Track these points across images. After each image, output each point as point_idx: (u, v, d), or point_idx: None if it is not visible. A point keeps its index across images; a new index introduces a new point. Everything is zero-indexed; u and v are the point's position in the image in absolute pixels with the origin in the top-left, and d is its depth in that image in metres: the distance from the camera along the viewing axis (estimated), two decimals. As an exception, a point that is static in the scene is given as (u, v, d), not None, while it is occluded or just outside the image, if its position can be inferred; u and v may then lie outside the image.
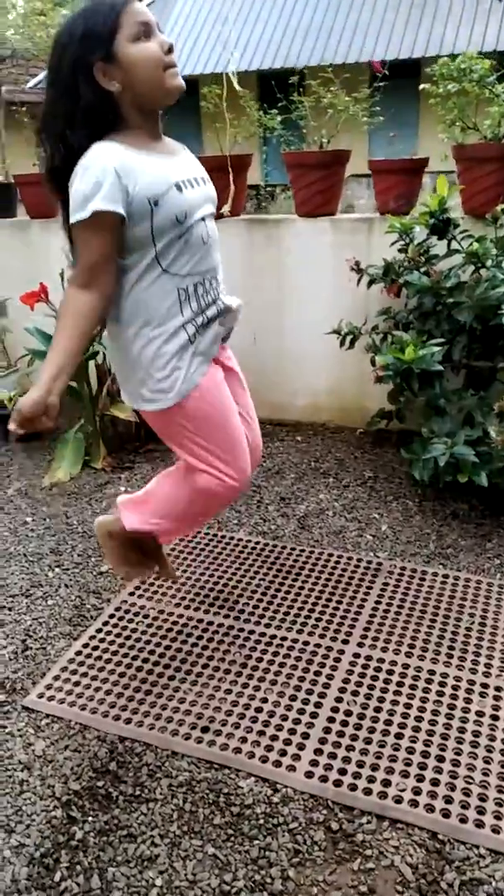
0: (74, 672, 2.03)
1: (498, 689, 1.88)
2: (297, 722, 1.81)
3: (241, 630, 2.15)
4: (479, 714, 1.80)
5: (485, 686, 1.89)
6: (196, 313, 1.63)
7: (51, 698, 1.94)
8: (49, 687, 1.98)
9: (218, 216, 3.35)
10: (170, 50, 1.45)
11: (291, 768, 1.68)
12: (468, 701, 1.84)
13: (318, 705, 1.86)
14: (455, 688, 1.89)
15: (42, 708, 1.91)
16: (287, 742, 1.75)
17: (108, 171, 1.40)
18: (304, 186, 3.24)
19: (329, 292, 3.38)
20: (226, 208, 3.28)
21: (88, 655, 2.09)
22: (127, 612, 2.27)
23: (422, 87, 3.05)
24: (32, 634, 2.21)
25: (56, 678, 2.01)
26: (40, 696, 1.95)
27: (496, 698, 1.85)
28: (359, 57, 10.25)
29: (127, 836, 1.55)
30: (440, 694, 1.87)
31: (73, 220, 1.43)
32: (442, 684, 1.90)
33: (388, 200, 3.14)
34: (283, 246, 3.41)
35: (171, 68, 1.45)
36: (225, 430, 1.72)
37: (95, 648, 2.12)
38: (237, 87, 2.97)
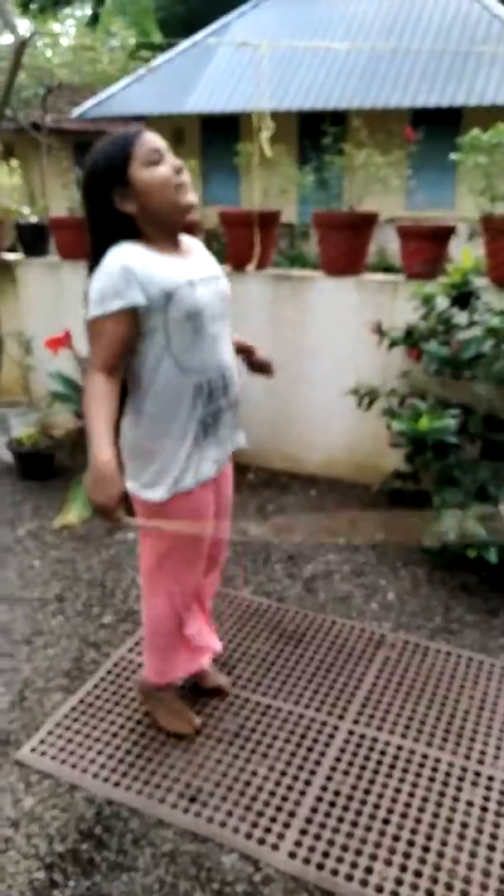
0: (68, 728, 2.09)
1: (490, 778, 1.91)
2: (284, 798, 1.85)
3: (237, 696, 2.20)
4: (469, 804, 1.83)
5: (477, 774, 1.92)
6: (203, 411, 1.72)
7: (43, 753, 2.00)
8: (42, 742, 2.05)
9: (243, 270, 3.51)
10: (179, 170, 1.60)
11: (275, 847, 1.72)
12: (459, 789, 1.87)
13: (307, 783, 1.90)
14: (447, 774, 1.92)
15: (34, 763, 1.98)
16: (273, 819, 1.80)
17: (124, 269, 1.54)
18: (331, 245, 3.36)
19: (350, 350, 3.47)
20: (251, 266, 3.40)
21: (83, 712, 2.16)
22: (125, 668, 2.34)
23: (452, 156, 3.16)
24: (30, 685, 2.29)
25: (50, 733, 2.08)
26: (33, 750, 2.02)
27: (487, 788, 1.88)
28: (400, 102, 10.50)
29: (106, 906, 1.60)
30: (431, 780, 1.90)
31: (89, 315, 1.56)
32: (434, 769, 1.94)
33: (414, 264, 3.24)
34: (306, 302, 3.52)
35: (181, 186, 1.60)
36: (194, 550, 1.85)
37: (90, 705, 2.18)
38: (268, 152, 3.11)
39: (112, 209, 1.58)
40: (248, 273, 3.59)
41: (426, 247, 3.17)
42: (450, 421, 2.63)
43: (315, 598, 2.75)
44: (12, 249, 4.38)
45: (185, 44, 12.67)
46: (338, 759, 1.97)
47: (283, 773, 1.93)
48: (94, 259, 1.62)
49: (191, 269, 1.65)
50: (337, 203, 3.50)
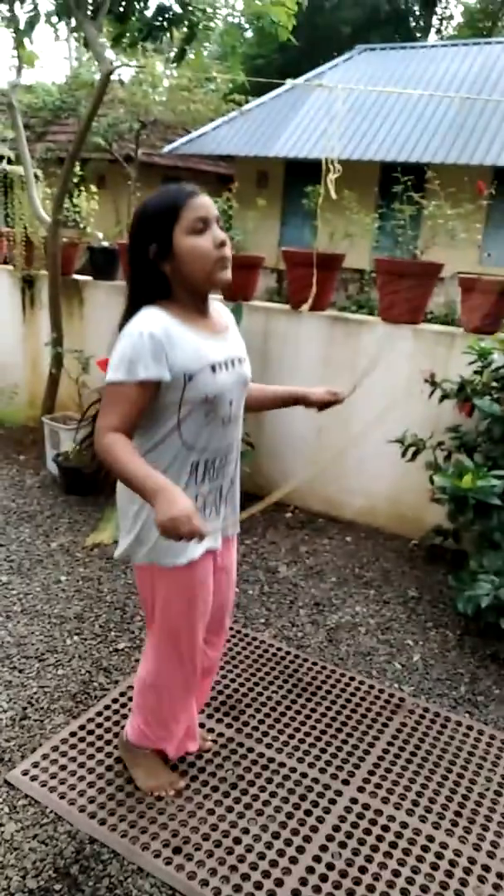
0: (64, 754, 2.01)
1: (500, 875, 1.72)
2: (273, 864, 1.71)
3: (241, 745, 2.08)
4: (473, 902, 1.65)
5: (486, 868, 1.73)
6: (203, 487, 1.64)
7: (34, 778, 1.92)
8: (35, 765, 1.96)
9: (299, 310, 3.45)
10: (222, 244, 1.52)
11: (256, 918, 1.58)
12: (464, 883, 1.69)
13: (300, 850, 1.75)
14: (453, 863, 1.74)
15: (23, 787, 1.89)
16: (258, 885, 1.65)
17: (152, 339, 1.46)
18: (392, 293, 3.27)
19: (401, 399, 3.35)
20: (305, 307, 3.34)
21: (82, 739, 2.07)
22: (130, 699, 2.24)
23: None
24: (34, 703, 2.21)
25: (44, 757, 1.99)
26: (24, 773, 1.93)
27: (496, 887, 1.69)
28: (482, 159, 10.42)
29: None
30: (434, 867, 1.73)
31: (109, 378, 1.49)
32: (439, 856, 1.76)
33: (473, 318, 3.11)
34: (361, 346, 3.43)
35: (220, 260, 1.52)
36: (190, 626, 1.72)
37: (90, 733, 2.09)
38: (333, 195, 3.06)
39: (151, 264, 1.52)
40: (305, 313, 3.52)
41: (487, 301, 3.05)
42: (495, 481, 2.47)
43: (336, 650, 2.60)
44: (83, 271, 4.45)
45: (275, 92, 12.94)
46: (336, 829, 1.82)
47: (276, 836, 1.79)
48: (128, 309, 1.56)
49: (215, 349, 1.57)
50: (408, 253, 3.41)
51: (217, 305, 1.72)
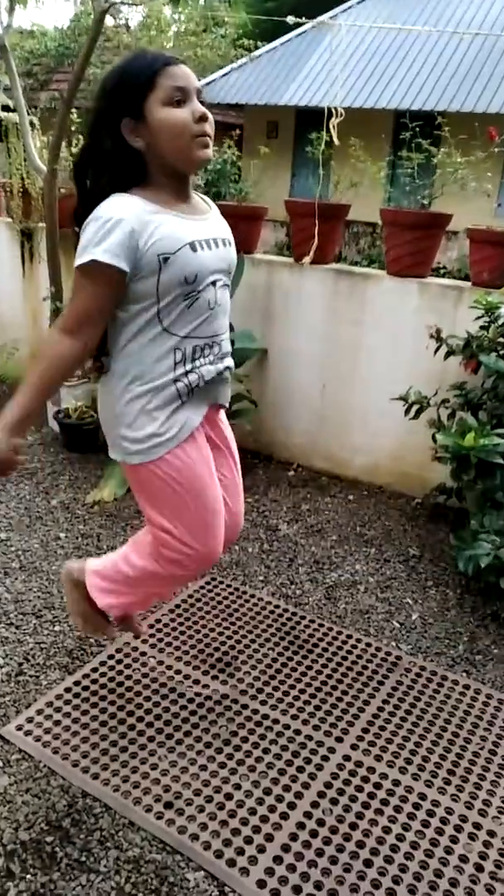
0: (58, 710, 2.00)
1: (491, 833, 1.71)
2: (264, 819, 1.71)
3: (235, 701, 2.07)
4: (463, 859, 1.64)
5: (477, 826, 1.73)
6: (189, 374, 1.55)
7: (28, 733, 1.92)
8: (30, 720, 1.96)
9: (301, 262, 3.33)
10: (201, 118, 1.40)
11: (245, 871, 1.58)
12: (454, 840, 1.68)
13: (291, 806, 1.75)
14: (444, 820, 1.73)
15: (17, 741, 1.89)
16: (248, 840, 1.65)
17: (119, 222, 1.35)
18: (398, 245, 3.15)
19: (406, 355, 3.26)
20: (306, 259, 3.22)
21: (77, 695, 2.06)
22: (127, 655, 2.23)
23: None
24: (31, 659, 2.21)
25: (39, 712, 1.99)
26: (18, 727, 1.93)
27: (486, 844, 1.68)
28: (501, 108, 10.03)
29: (57, 907, 1.50)
30: (425, 824, 1.72)
31: (75, 263, 1.41)
32: (430, 813, 1.75)
33: (482, 272, 3.00)
34: (366, 301, 3.33)
35: (199, 137, 1.41)
36: (195, 508, 1.63)
37: (85, 689, 2.09)
38: (336, 140, 2.93)
39: (119, 139, 1.38)
40: (308, 266, 3.41)
41: (496, 254, 2.93)
42: (498, 440, 2.40)
43: (335, 608, 2.58)
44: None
45: (286, 36, 12.46)
46: (328, 786, 1.81)
47: (268, 792, 1.78)
48: (86, 200, 1.43)
49: (195, 229, 1.47)
50: (417, 204, 3.28)
51: (203, 197, 1.62)
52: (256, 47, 12.09)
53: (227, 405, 1.75)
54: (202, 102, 1.44)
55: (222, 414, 1.78)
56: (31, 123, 3.89)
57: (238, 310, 3.58)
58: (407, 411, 2.98)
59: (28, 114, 3.83)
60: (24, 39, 10.96)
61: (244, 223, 3.54)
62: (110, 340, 1.55)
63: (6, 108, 4.50)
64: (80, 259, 1.39)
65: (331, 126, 2.96)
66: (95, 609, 1.88)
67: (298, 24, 3.96)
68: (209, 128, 1.43)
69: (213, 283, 1.51)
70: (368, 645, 2.37)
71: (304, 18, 4.02)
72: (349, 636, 2.41)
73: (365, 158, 3.42)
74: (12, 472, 1.52)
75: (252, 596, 2.60)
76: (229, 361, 1.67)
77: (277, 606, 2.55)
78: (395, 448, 3.45)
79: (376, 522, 3.23)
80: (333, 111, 2.98)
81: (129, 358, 1.53)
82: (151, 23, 11.60)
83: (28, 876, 1.56)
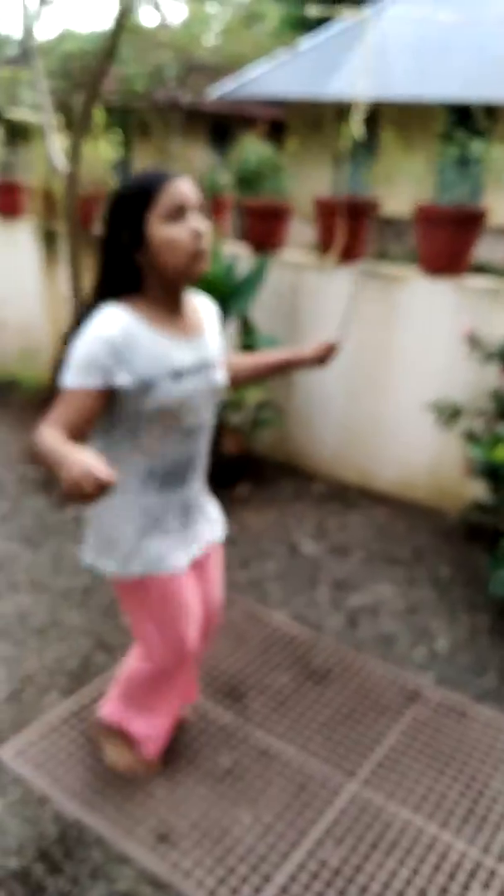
0: (55, 730, 2.03)
1: (509, 882, 1.67)
2: (263, 858, 1.70)
3: (239, 729, 2.06)
4: (476, 909, 1.60)
5: (492, 873, 1.68)
6: (163, 497, 1.60)
7: (23, 756, 1.95)
8: (26, 743, 1.99)
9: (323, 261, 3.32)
10: (198, 235, 1.44)
11: (238, 912, 1.57)
12: (466, 887, 1.65)
13: (294, 844, 1.73)
14: (457, 865, 1.70)
15: (13, 765, 1.93)
16: (244, 879, 1.65)
17: (103, 342, 1.41)
18: (431, 242, 3.12)
19: (440, 360, 3.22)
20: (329, 259, 3.21)
21: (75, 714, 2.09)
22: (130, 677, 2.25)
23: None
24: (32, 679, 2.24)
25: (36, 735, 2.02)
26: (14, 750, 1.97)
27: (502, 893, 1.64)
28: None
29: (39, 940, 1.51)
30: (436, 868, 1.69)
31: (63, 381, 1.45)
32: (443, 856, 1.72)
33: (522, 272, 2.95)
34: (396, 302, 3.30)
35: (197, 255, 1.45)
36: (177, 619, 1.68)
37: (85, 708, 2.11)
38: (357, 134, 2.92)
39: (123, 253, 1.46)
40: (334, 265, 3.41)
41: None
42: (532, 454, 2.35)
43: (355, 633, 2.55)
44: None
45: (331, 29, 12.49)
46: (335, 823, 1.79)
47: (269, 828, 1.77)
48: (90, 301, 1.51)
49: (182, 354, 1.51)
50: (465, 199, 3.23)
51: (200, 302, 1.67)
52: (300, 41, 12.19)
53: (216, 538, 1.80)
54: (202, 216, 1.48)
55: (216, 548, 1.84)
56: (54, 124, 3.99)
57: (263, 313, 3.60)
58: (438, 421, 2.94)
59: (51, 113, 3.93)
60: (64, 41, 11.25)
61: (266, 220, 3.56)
62: (90, 446, 1.58)
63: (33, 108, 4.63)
64: (68, 381, 1.44)
65: (354, 120, 2.96)
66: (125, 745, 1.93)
67: (328, 18, 3.98)
68: (205, 243, 1.47)
69: (194, 411, 1.56)
70: (388, 674, 2.33)
71: (342, 11, 4.03)
72: (367, 663, 2.38)
73: (407, 153, 3.40)
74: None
75: (266, 617, 2.59)
76: (198, 486, 1.70)
77: (293, 630, 2.53)
78: (428, 460, 3.41)
79: (406, 541, 3.19)
80: (359, 105, 2.97)
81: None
82: (193, 20, 11.83)
83: (12, 906, 1.58)
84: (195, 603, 1.73)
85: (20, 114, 4.30)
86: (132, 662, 1.82)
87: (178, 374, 1.49)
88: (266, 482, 3.66)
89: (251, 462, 3.76)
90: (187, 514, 1.67)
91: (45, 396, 4.64)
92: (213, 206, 3.72)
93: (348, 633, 2.55)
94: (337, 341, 1.85)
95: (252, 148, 4.22)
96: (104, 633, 2.47)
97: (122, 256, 1.47)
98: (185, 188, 1.44)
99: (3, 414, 4.49)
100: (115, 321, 1.44)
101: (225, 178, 4.24)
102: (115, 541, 1.61)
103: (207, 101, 13.62)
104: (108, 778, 1.89)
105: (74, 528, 3.14)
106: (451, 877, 1.67)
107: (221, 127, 14.16)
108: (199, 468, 1.68)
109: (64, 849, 1.71)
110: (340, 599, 2.75)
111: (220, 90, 13.23)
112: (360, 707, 2.18)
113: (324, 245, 3.42)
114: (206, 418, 1.62)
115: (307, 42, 12.87)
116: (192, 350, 1.54)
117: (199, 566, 1.78)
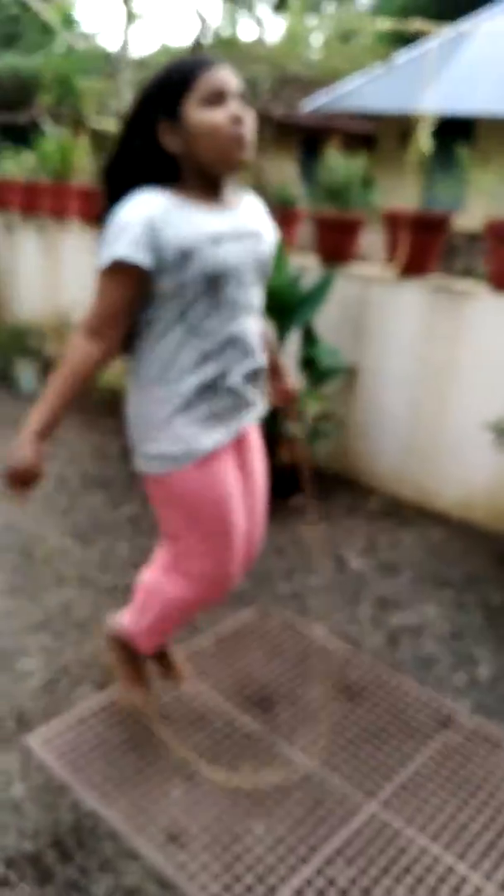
0: (84, 724, 2.08)
1: (525, 924, 1.59)
2: (271, 869, 1.68)
3: (262, 740, 2.05)
4: None
5: (509, 914, 1.61)
6: (216, 377, 1.58)
7: (50, 744, 2.00)
8: (54, 732, 2.05)
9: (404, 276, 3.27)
10: (238, 120, 1.43)
11: (239, 921, 1.57)
12: (479, 925, 1.58)
13: (303, 860, 1.71)
14: (472, 901, 1.64)
15: (39, 752, 1.98)
16: (249, 888, 1.64)
17: (137, 219, 1.41)
18: (501, 257, 3.04)
19: (506, 379, 3.14)
20: (390, 272, 3.17)
21: (105, 709, 2.13)
22: (161, 678, 2.28)
23: None
24: (68, 670, 2.31)
25: (65, 725, 2.07)
26: (42, 738, 2.03)
27: (517, 936, 1.57)
28: None
29: (42, 924, 1.55)
30: (449, 902, 1.63)
31: (97, 264, 1.47)
32: (456, 890, 1.66)
33: None
34: (466, 319, 3.24)
35: (237, 139, 1.44)
36: (220, 526, 1.65)
37: (114, 705, 2.15)
38: (422, 146, 2.89)
39: (154, 142, 1.45)
40: (404, 280, 3.37)
41: None
42: None
43: (394, 653, 2.50)
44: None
45: (427, 42, 12.38)
46: (348, 843, 1.76)
47: (280, 840, 1.76)
48: (114, 201, 1.49)
49: (223, 221, 1.49)
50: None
51: (248, 197, 1.65)
52: (394, 54, 12.14)
53: (257, 419, 1.77)
54: (243, 105, 1.49)
55: (252, 433, 1.80)
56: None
57: (328, 325, 3.60)
58: (498, 441, 2.86)
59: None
60: (158, 56, 11.62)
61: (336, 233, 3.56)
62: (134, 340, 1.61)
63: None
64: (101, 258, 1.46)
65: (418, 134, 2.93)
66: (138, 668, 2.01)
67: (424, 33, 3.95)
68: (246, 130, 1.47)
69: (239, 280, 1.54)
70: (423, 696, 2.28)
71: (438, 26, 4.00)
72: (403, 684, 2.33)
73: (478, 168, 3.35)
74: (37, 483, 1.58)
75: (303, 629, 2.58)
76: (259, 361, 1.68)
77: (330, 644, 2.51)
78: (491, 481, 3.31)
79: (460, 563, 3.10)
80: (422, 119, 2.94)
81: (153, 361, 1.58)
82: (292, 33, 11.98)
83: (23, 886, 1.62)
84: (240, 509, 1.69)
85: (105, 123, 4.46)
86: (168, 590, 1.77)
87: (216, 239, 1.46)
88: (322, 493, 3.64)
89: (309, 472, 3.74)
90: (237, 408, 1.63)
91: (118, 399, 4.77)
92: (286, 217, 3.75)
93: (387, 652, 2.50)
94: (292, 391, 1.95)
95: (338, 161, 4.22)
96: (142, 632, 2.51)
97: (154, 147, 1.45)
98: (224, 74, 1.44)
99: (77, 413, 4.63)
100: (147, 199, 1.43)
101: (299, 190, 4.26)
102: (171, 441, 1.58)
103: (300, 114, 13.72)
104: (128, 774, 1.92)
105: (128, 527, 3.21)
106: (464, 911, 1.61)
107: (316, 141, 14.24)
108: (257, 349, 1.64)
109: (77, 838, 1.75)
110: (383, 618, 2.70)
111: (313, 103, 13.31)
112: (390, 728, 2.14)
113: (390, 257, 3.39)
114: (252, 294, 1.59)
115: (402, 56, 12.80)
116: (230, 217, 1.52)
117: (243, 472, 1.75)
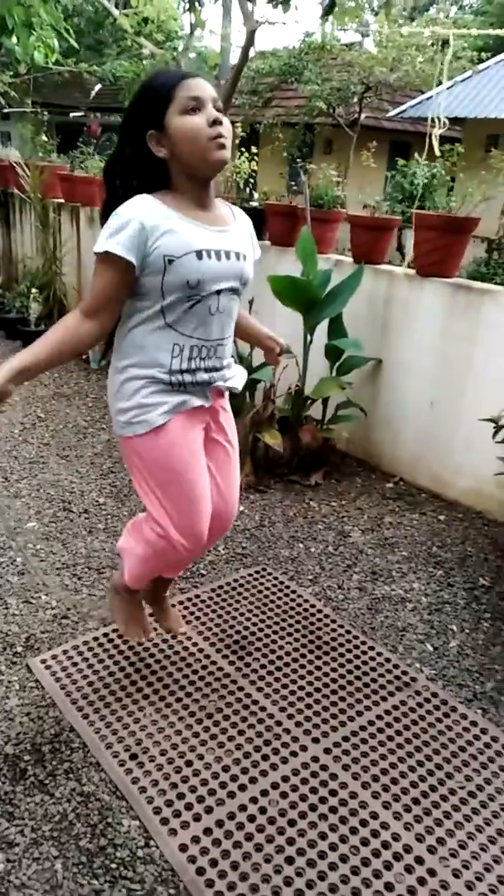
0: (81, 654, 2.20)
1: (431, 872, 1.60)
2: (211, 792, 1.75)
3: (233, 682, 2.12)
4: (388, 887, 1.56)
5: (419, 860, 1.62)
6: (184, 372, 1.64)
7: (49, 667, 2.13)
8: (54, 657, 2.18)
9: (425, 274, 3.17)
10: (215, 122, 1.48)
11: (173, 832, 1.65)
12: (388, 866, 1.60)
13: (242, 787, 1.77)
14: (385, 845, 1.65)
15: (37, 673, 2.12)
16: (188, 806, 1.71)
17: (133, 220, 1.49)
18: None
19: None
20: (406, 271, 3.10)
21: (101, 645, 2.24)
22: (156, 621, 2.37)
23: None
24: (78, 607, 2.43)
25: (64, 652, 2.20)
26: (42, 661, 2.16)
27: (420, 881, 1.58)
28: None
29: (6, 814, 1.68)
30: (364, 842, 1.65)
31: (94, 250, 1.55)
32: (375, 833, 1.68)
33: None
34: (483, 318, 3.14)
35: (214, 140, 1.48)
36: (179, 485, 1.71)
37: (110, 642, 2.26)
38: (437, 151, 2.80)
39: (144, 149, 1.53)
40: (426, 280, 3.30)
41: None
42: None
43: (372, 620, 2.50)
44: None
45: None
46: (285, 778, 1.81)
47: (226, 769, 1.82)
48: (113, 200, 1.57)
49: (207, 238, 1.55)
50: None
51: (233, 209, 1.71)
52: (481, 60, 11.64)
53: (231, 391, 1.82)
54: (218, 110, 1.53)
55: (223, 401, 1.85)
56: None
57: (356, 318, 3.56)
58: (495, 434, 2.78)
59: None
60: (253, 60, 11.57)
61: (371, 233, 3.51)
62: (119, 325, 1.69)
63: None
64: (98, 248, 1.55)
65: (433, 137, 2.84)
66: (137, 609, 2.09)
67: None
68: (224, 130, 1.51)
69: (218, 292, 1.61)
70: (388, 660, 2.28)
71: None
72: (371, 648, 2.33)
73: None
74: (2, 404, 1.58)
75: (293, 592, 2.61)
76: (226, 363, 1.74)
77: (313, 607, 2.54)
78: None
79: (457, 546, 3.05)
80: (437, 121, 2.85)
81: (133, 343, 1.66)
82: (378, 39, 11.67)
83: (-2, 782, 1.76)
84: (200, 470, 1.75)
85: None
86: (145, 530, 1.83)
87: (199, 254, 1.53)
88: (341, 475, 3.64)
89: (331, 455, 3.75)
90: (199, 393, 1.70)
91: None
92: (326, 218, 3.72)
93: (366, 618, 2.51)
94: (282, 349, 2.00)
95: (416, 166, 4.15)
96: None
97: (146, 154, 1.53)
98: (200, 83, 1.51)
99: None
100: (142, 203, 1.52)
101: (381, 194, 4.20)
102: (139, 407, 1.65)
103: (388, 119, 13.40)
104: (109, 699, 2.03)
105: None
106: (376, 854, 1.63)
107: (402, 145, 13.89)
108: (226, 352, 1.72)
109: (52, 747, 1.87)
110: (370, 587, 2.70)
111: (398, 109, 12.97)
112: (350, 684, 2.15)
113: (416, 258, 3.32)
114: (229, 304, 1.65)
115: (491, 63, 12.27)
116: (217, 236, 1.58)
117: (215, 445, 1.82)
